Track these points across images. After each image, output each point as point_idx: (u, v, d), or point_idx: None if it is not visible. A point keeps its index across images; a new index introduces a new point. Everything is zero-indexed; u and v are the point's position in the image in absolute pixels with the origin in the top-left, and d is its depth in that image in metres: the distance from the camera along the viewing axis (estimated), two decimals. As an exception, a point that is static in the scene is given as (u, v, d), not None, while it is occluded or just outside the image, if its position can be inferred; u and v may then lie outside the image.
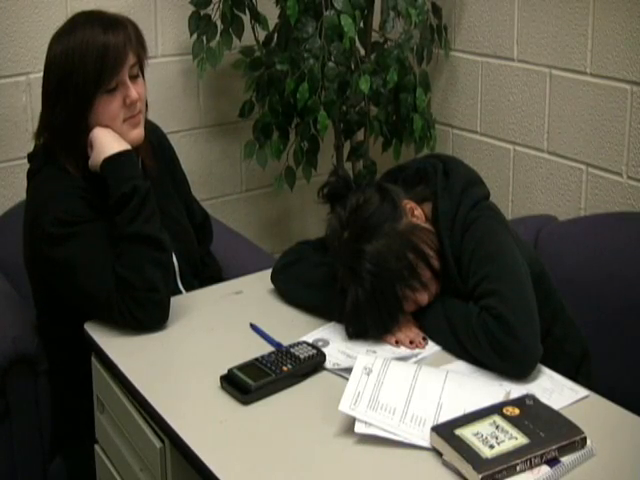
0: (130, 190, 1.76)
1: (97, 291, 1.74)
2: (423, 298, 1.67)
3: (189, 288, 2.01)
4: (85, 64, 1.74)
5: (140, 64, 1.85)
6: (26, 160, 1.95)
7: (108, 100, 1.78)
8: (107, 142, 1.80)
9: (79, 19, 1.82)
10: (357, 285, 1.61)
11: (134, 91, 1.79)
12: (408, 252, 1.63)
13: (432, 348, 1.65)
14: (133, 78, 1.81)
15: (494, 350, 1.52)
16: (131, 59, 1.79)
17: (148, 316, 1.72)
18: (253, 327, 1.73)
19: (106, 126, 1.80)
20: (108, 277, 1.74)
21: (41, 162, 1.87)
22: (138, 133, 1.85)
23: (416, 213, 1.70)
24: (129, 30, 1.81)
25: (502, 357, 1.51)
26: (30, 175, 1.91)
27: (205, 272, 2.15)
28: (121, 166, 1.79)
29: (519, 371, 1.52)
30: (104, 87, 1.76)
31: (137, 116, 1.84)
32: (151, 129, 2.00)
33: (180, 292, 1.99)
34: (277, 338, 1.68)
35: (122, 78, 1.78)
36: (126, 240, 1.75)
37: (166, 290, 1.76)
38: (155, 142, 2.06)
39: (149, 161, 1.97)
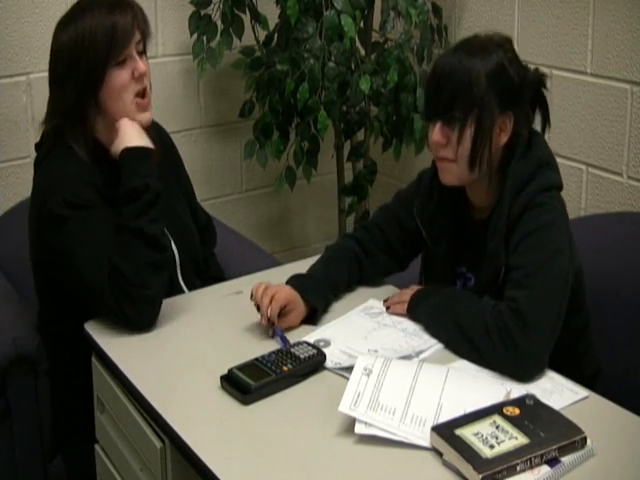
0: (142, 186, 1.77)
1: (92, 278, 1.74)
2: (436, 131, 1.66)
3: (191, 287, 2.01)
4: (95, 42, 1.78)
5: (144, 44, 1.88)
6: (27, 160, 1.96)
7: (118, 73, 1.81)
8: (132, 133, 1.83)
9: (84, 3, 1.84)
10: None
11: (142, 64, 1.83)
12: (484, 98, 1.61)
13: (433, 347, 1.65)
14: (139, 54, 1.84)
15: (502, 341, 1.52)
16: (137, 36, 1.83)
17: (137, 312, 1.72)
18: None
19: (116, 102, 1.81)
20: (105, 266, 1.74)
21: (51, 145, 1.88)
22: (146, 116, 1.87)
23: (504, 130, 1.67)
24: (135, 9, 1.85)
25: (508, 349, 1.51)
26: (38, 161, 1.92)
27: (208, 272, 2.16)
28: (139, 160, 1.81)
29: (520, 369, 1.52)
30: (114, 60, 1.79)
31: (145, 97, 1.86)
32: (155, 128, 2.01)
33: (181, 289, 2.00)
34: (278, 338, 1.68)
35: (130, 52, 1.81)
36: (129, 233, 1.75)
37: (158, 291, 1.76)
38: (160, 141, 2.06)
39: (156, 158, 1.97)
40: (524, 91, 1.66)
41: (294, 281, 1.79)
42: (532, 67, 1.70)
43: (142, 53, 1.86)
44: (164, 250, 1.79)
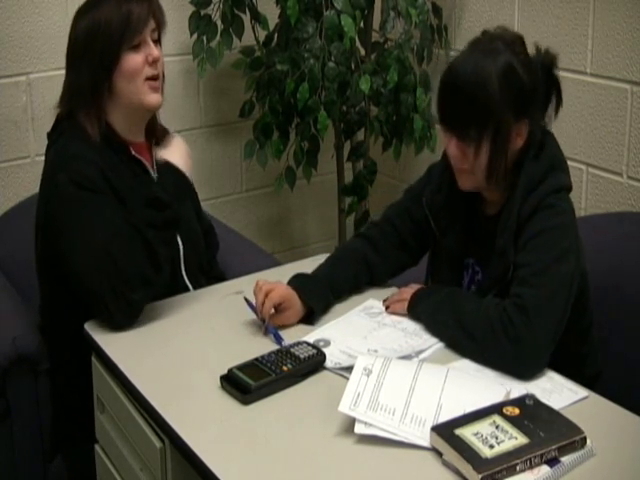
0: (167, 202, 1.81)
1: (80, 265, 1.76)
2: (452, 145, 1.64)
3: (196, 285, 2.02)
4: (111, 27, 1.83)
5: (159, 33, 1.93)
6: (27, 160, 1.96)
7: (132, 57, 1.85)
8: (183, 155, 1.93)
9: None
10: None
11: (156, 50, 1.88)
12: (496, 99, 1.59)
13: (433, 347, 1.65)
14: (153, 42, 1.90)
15: (506, 335, 1.52)
16: (152, 24, 1.89)
17: (120, 311, 1.73)
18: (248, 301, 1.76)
19: (129, 85, 1.86)
20: (95, 254, 1.74)
21: (64, 128, 1.91)
22: (156, 98, 1.91)
23: (520, 135, 1.66)
24: (152, 1, 1.91)
25: (512, 343, 1.52)
26: (50, 143, 1.94)
27: (211, 273, 2.16)
28: (176, 180, 1.87)
29: (522, 365, 1.52)
30: (128, 44, 1.84)
31: (157, 80, 1.90)
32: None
33: (187, 287, 2.00)
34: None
35: (145, 37, 1.87)
36: (138, 234, 1.76)
37: (140, 297, 1.75)
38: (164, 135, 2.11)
39: (187, 191, 2.03)
40: (538, 89, 1.65)
41: (295, 281, 1.79)
42: (542, 48, 1.67)
43: (157, 42, 1.91)
44: (159, 270, 1.79)
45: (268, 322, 1.70)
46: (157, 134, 2.04)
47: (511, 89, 1.60)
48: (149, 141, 2.01)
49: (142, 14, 1.85)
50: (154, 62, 1.88)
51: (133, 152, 1.93)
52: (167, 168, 1.91)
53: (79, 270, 1.77)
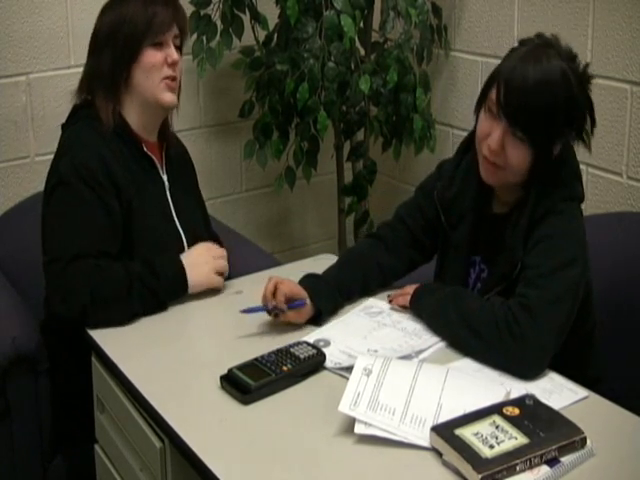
0: (162, 282, 1.81)
1: (52, 250, 1.80)
2: (495, 139, 1.62)
3: None
4: (135, 22, 1.88)
5: (181, 41, 1.97)
6: (27, 160, 1.96)
7: (152, 53, 1.90)
8: (198, 264, 1.88)
9: None
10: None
11: (176, 53, 1.92)
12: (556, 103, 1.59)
13: (433, 347, 1.65)
14: (175, 47, 1.94)
15: (511, 333, 1.53)
16: (175, 29, 1.94)
17: (62, 308, 1.76)
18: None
19: (146, 79, 1.89)
20: (70, 248, 1.76)
21: (80, 116, 1.94)
22: (172, 97, 1.95)
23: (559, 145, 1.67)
24: (177, 6, 1.97)
25: (516, 340, 1.52)
26: (64, 131, 1.97)
27: None
28: (179, 279, 1.84)
29: (525, 363, 1.52)
30: (150, 40, 1.89)
31: (174, 81, 1.94)
32: (177, 141, 2.14)
33: None
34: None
35: (166, 38, 1.92)
36: (127, 275, 1.78)
37: (92, 320, 1.76)
38: (178, 153, 2.14)
39: (173, 150, 2.08)
40: (585, 104, 1.65)
41: (306, 281, 1.79)
42: (581, 64, 1.65)
43: (178, 48, 1.95)
44: (116, 314, 1.77)
45: (281, 307, 1.71)
46: (168, 138, 2.06)
47: (568, 100, 1.60)
48: (161, 142, 2.04)
49: (166, 19, 1.90)
50: (173, 64, 1.91)
51: (145, 149, 1.95)
52: (180, 271, 1.86)
53: (45, 254, 1.82)
